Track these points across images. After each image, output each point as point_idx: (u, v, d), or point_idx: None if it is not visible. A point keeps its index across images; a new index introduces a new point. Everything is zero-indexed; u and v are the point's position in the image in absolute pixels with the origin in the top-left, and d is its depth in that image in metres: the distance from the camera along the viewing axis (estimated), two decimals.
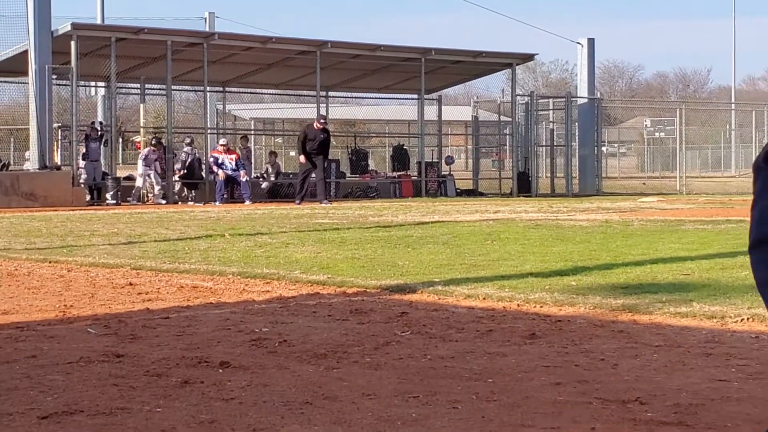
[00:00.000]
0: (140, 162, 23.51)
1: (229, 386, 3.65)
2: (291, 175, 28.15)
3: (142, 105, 25.48)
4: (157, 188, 23.10)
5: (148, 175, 23.11)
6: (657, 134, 51.14)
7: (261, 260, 8.21)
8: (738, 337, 4.59)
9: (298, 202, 21.61)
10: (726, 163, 50.54)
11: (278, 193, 25.84)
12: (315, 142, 21.96)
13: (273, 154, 28.41)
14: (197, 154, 25.16)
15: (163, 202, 22.71)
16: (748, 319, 4.94)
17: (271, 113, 37.96)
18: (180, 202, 23.08)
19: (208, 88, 25.24)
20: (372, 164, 35.03)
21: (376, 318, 5.23)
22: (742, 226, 11.80)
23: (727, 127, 52.42)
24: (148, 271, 7.62)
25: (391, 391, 3.54)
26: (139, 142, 23.81)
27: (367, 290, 6.30)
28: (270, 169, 26.67)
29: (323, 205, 20.92)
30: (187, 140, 25.07)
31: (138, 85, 25.68)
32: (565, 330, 4.80)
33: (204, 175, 24.73)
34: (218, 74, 26.47)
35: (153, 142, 23.55)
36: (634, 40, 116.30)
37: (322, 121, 22.25)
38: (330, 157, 23.93)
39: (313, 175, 22.32)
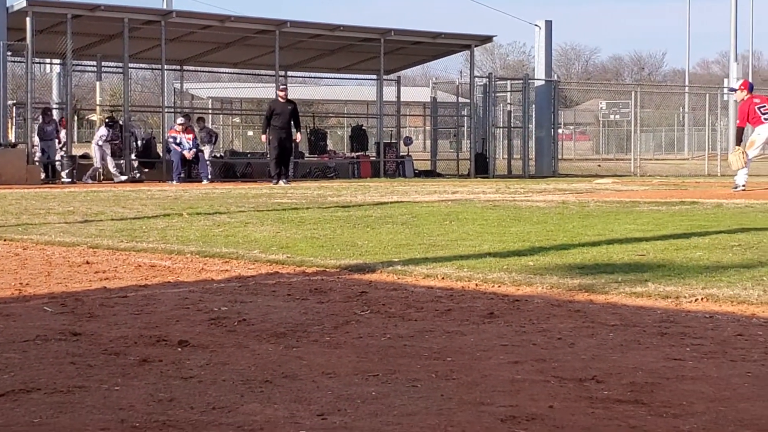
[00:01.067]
0: (95, 145, 23.20)
1: (187, 365, 3.64)
2: (249, 155, 27.98)
3: (98, 83, 25.18)
4: (112, 167, 22.87)
5: (104, 156, 22.83)
6: (612, 117, 51.57)
7: (219, 239, 8.19)
8: (692, 316, 4.65)
9: (275, 182, 21.41)
10: (679, 145, 51.06)
11: (233, 172, 25.65)
12: (282, 116, 21.60)
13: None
14: (152, 133, 24.86)
15: (123, 179, 22.48)
16: (702, 299, 5.01)
17: (229, 92, 37.72)
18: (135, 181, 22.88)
19: (165, 67, 25.01)
20: (330, 144, 34.98)
21: (335, 297, 5.24)
22: (696, 207, 11.94)
23: (681, 109, 52.99)
24: (105, 250, 7.56)
25: (351, 370, 3.56)
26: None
27: (327, 270, 6.30)
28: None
29: (282, 184, 20.85)
30: (132, 118, 24.61)
31: (94, 63, 25.37)
32: (523, 309, 4.84)
33: (161, 154, 24.54)
34: (176, 52, 26.24)
35: (107, 122, 23.23)
36: (591, 23, 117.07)
37: (282, 87, 22.03)
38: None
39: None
